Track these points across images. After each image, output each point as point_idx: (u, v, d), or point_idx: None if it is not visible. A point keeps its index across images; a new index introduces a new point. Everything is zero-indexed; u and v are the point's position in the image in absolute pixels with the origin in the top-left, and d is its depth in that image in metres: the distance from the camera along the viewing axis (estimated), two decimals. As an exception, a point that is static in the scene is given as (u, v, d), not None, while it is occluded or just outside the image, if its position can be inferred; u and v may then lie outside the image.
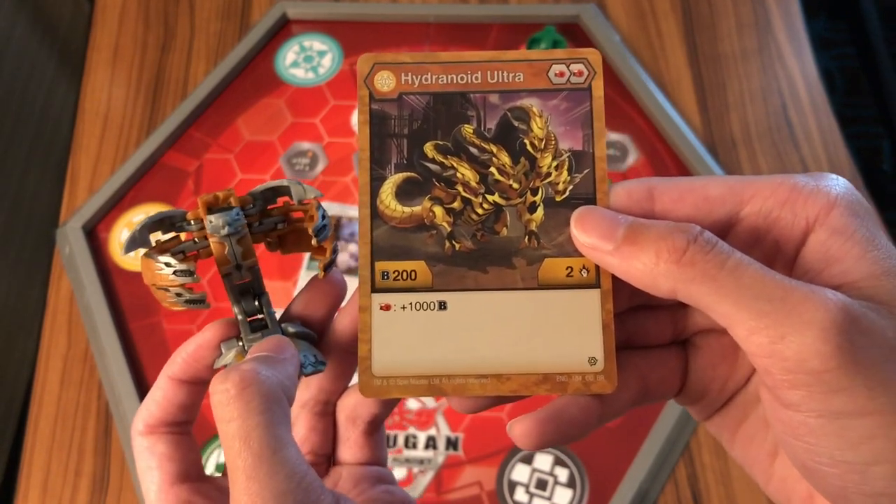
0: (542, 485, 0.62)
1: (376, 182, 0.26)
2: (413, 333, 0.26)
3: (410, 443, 0.64)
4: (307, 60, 0.81)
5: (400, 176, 0.26)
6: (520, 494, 0.62)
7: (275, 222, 0.28)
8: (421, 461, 0.64)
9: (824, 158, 0.75)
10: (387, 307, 0.26)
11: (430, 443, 0.64)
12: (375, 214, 0.26)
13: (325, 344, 0.28)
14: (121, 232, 0.73)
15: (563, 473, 0.63)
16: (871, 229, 0.23)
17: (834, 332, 0.21)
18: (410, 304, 0.26)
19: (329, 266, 0.27)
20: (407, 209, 0.26)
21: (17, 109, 0.93)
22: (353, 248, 0.72)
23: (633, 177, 0.75)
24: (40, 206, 0.96)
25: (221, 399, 0.23)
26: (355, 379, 0.29)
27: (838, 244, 0.23)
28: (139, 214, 0.74)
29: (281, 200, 0.28)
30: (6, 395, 0.91)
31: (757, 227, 0.24)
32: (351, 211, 0.73)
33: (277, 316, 0.28)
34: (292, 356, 0.26)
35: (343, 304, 0.28)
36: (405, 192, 0.26)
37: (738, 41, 0.81)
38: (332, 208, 0.73)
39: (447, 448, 0.64)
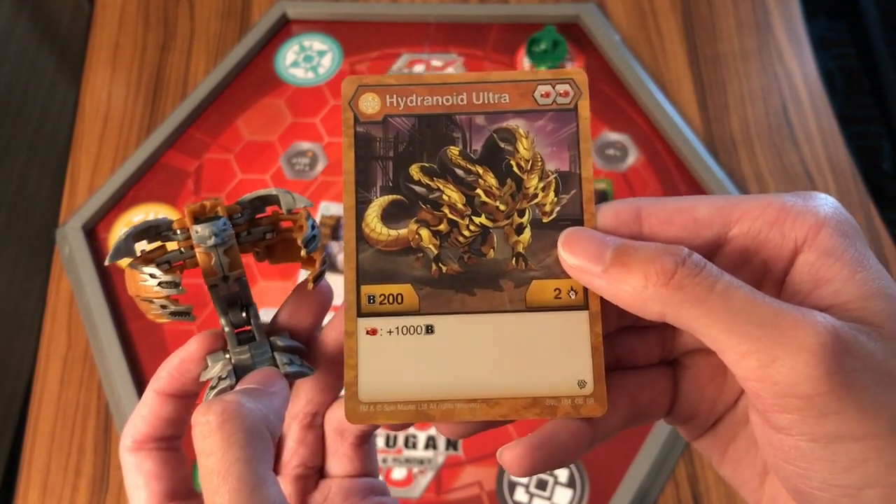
0: (542, 485, 0.62)
1: (361, 205, 0.26)
2: (400, 358, 0.25)
3: (410, 443, 0.64)
4: (307, 60, 0.81)
5: (386, 199, 0.26)
6: (520, 494, 0.62)
7: (263, 232, 0.27)
8: (421, 461, 0.64)
9: (824, 158, 0.75)
10: (373, 331, 0.26)
11: (430, 443, 0.64)
12: (361, 237, 0.26)
13: (312, 356, 0.28)
14: (120, 232, 0.73)
15: (563, 473, 0.63)
16: (860, 249, 0.23)
17: (824, 356, 0.20)
18: (397, 328, 0.25)
19: (319, 278, 0.27)
20: (393, 232, 0.26)
21: (17, 109, 0.93)
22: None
23: (633, 176, 0.75)
24: (40, 206, 0.96)
25: (202, 431, 0.22)
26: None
27: (827, 265, 0.23)
28: (139, 214, 0.74)
29: (270, 209, 0.27)
30: (6, 395, 0.91)
31: (745, 248, 0.24)
32: (351, 211, 0.73)
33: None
34: (281, 389, 0.25)
35: (330, 312, 0.28)
36: (391, 215, 0.26)
37: (738, 41, 0.81)
38: (332, 208, 0.73)
39: (447, 448, 0.64)
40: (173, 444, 0.27)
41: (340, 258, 0.71)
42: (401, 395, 0.25)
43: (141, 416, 0.26)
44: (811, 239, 0.23)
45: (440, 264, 0.26)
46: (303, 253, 0.26)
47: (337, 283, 0.69)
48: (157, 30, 0.84)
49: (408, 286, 0.26)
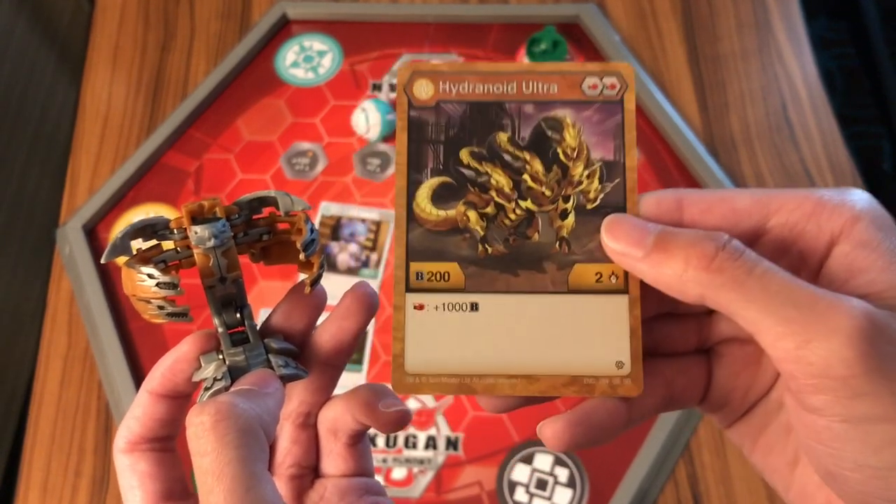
0: (542, 485, 0.62)
1: (413, 186, 0.27)
2: (445, 333, 0.26)
3: (410, 443, 0.64)
4: (307, 60, 0.81)
5: (436, 180, 0.27)
6: (520, 494, 0.62)
7: (260, 233, 0.27)
8: (421, 461, 0.64)
9: (824, 158, 0.75)
10: (420, 307, 0.27)
11: (430, 443, 0.64)
12: (412, 217, 0.27)
13: (305, 358, 0.28)
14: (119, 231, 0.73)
15: (563, 473, 0.63)
16: (895, 242, 0.24)
17: (859, 339, 0.21)
18: (443, 304, 0.27)
19: (316, 282, 0.27)
20: (442, 212, 0.27)
21: (17, 109, 0.93)
22: (352, 248, 0.72)
23: (633, 177, 0.75)
24: (40, 206, 0.96)
25: (196, 432, 0.22)
26: (336, 391, 0.29)
27: (863, 256, 0.23)
28: (139, 215, 0.74)
29: (266, 211, 0.27)
30: (6, 395, 0.91)
31: (783, 239, 0.25)
32: (351, 211, 0.73)
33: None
34: (276, 390, 0.25)
35: (322, 315, 0.28)
36: (440, 197, 0.27)
37: (738, 41, 0.81)
38: (332, 208, 0.73)
39: (447, 448, 0.64)
40: (167, 445, 0.27)
41: (341, 258, 0.71)
42: (445, 368, 0.26)
43: (134, 417, 0.27)
44: (847, 231, 0.24)
45: (486, 245, 0.27)
46: (301, 256, 0.26)
47: (336, 284, 0.69)
48: (157, 30, 0.84)
49: (454, 265, 0.27)
